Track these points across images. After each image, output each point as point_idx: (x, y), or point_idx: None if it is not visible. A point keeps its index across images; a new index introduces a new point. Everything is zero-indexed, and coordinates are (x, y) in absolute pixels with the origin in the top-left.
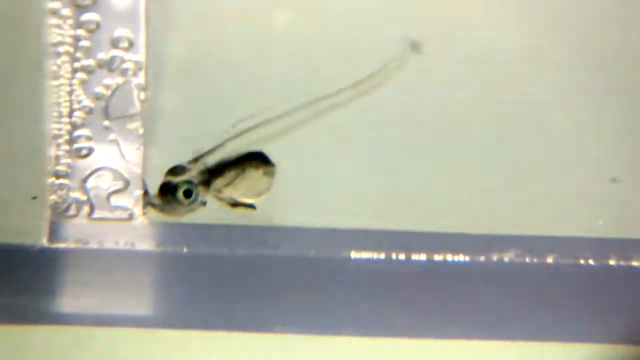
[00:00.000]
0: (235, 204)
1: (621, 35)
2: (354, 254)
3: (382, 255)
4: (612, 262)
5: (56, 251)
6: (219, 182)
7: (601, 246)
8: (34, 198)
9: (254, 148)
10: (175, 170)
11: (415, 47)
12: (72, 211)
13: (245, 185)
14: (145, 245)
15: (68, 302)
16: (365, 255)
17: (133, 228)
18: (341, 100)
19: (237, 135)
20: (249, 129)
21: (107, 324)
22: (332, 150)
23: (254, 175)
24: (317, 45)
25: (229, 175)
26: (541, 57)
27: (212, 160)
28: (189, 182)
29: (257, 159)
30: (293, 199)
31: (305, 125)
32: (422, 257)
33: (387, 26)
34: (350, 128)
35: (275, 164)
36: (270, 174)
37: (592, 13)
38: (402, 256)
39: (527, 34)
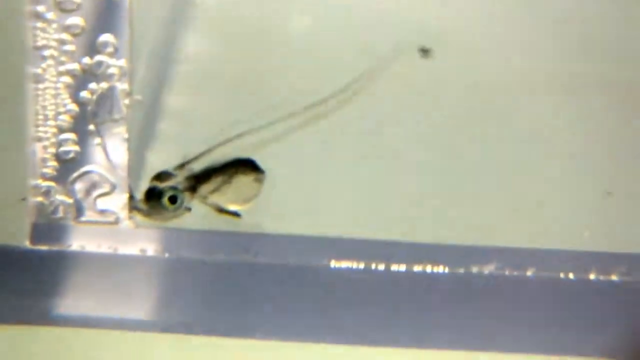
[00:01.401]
0: (220, 211)
1: (619, 53)
2: (333, 263)
3: (362, 265)
4: (592, 277)
5: (38, 253)
6: (205, 188)
7: (582, 260)
8: (23, 199)
9: (242, 155)
10: (160, 176)
11: (425, 52)
12: (59, 214)
13: (232, 192)
14: (129, 249)
15: (50, 303)
16: (344, 264)
17: (118, 232)
18: (328, 109)
19: (224, 142)
20: (237, 136)
21: (89, 326)
22: (315, 159)
23: (243, 182)
24: (313, 52)
25: (216, 181)
26: (536, 71)
27: (199, 166)
28: (174, 188)
29: (247, 166)
30: (275, 207)
31: (291, 133)
32: (402, 267)
33: (391, 32)
34: (335, 137)
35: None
36: (259, 181)
37: (589, 26)
38: (381, 266)
39: (525, 51)
